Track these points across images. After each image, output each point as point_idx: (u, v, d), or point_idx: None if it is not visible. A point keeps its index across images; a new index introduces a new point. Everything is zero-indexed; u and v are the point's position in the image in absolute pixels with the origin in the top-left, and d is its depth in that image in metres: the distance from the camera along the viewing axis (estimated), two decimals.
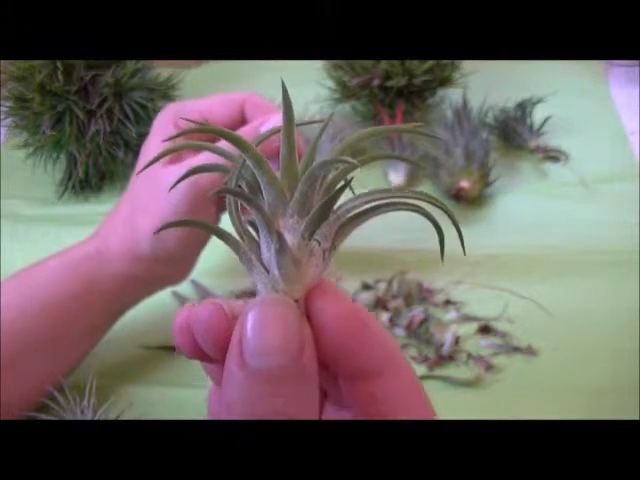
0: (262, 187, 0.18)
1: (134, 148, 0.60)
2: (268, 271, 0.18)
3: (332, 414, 0.22)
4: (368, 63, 0.59)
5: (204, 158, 0.40)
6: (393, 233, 0.55)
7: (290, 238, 0.17)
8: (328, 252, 0.18)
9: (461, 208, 0.57)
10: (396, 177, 0.60)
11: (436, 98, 0.66)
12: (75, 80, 0.56)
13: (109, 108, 0.57)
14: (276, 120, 0.40)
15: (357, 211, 0.18)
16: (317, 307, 0.18)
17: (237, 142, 0.18)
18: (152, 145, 0.45)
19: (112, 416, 0.44)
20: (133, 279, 0.43)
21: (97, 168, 0.60)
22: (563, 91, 0.66)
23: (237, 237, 0.18)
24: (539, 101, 0.63)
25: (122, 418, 0.45)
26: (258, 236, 0.18)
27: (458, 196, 0.57)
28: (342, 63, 0.61)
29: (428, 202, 0.19)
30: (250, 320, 0.17)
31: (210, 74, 0.73)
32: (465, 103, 0.62)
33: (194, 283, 0.53)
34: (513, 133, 0.63)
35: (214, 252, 0.54)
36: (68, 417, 0.44)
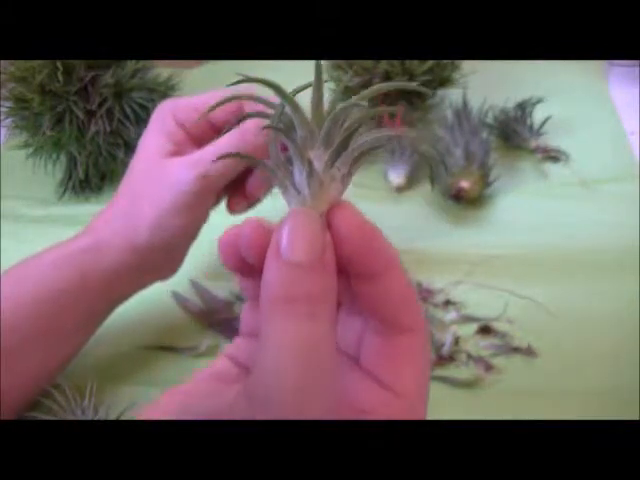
0: (296, 127, 0.23)
1: (134, 148, 0.60)
2: (299, 192, 0.23)
3: (345, 320, 0.26)
4: (368, 63, 0.59)
5: (225, 142, 0.43)
6: (393, 233, 0.55)
7: (317, 165, 0.22)
8: (346, 177, 0.23)
9: (461, 208, 0.57)
10: (396, 177, 0.60)
11: (436, 98, 0.67)
12: (75, 80, 0.56)
13: (109, 108, 0.57)
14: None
15: (368, 145, 0.23)
16: (337, 219, 0.22)
17: (278, 90, 0.23)
18: (149, 138, 0.45)
19: (112, 416, 0.44)
20: (126, 271, 0.43)
21: (97, 168, 0.60)
22: (563, 91, 0.66)
23: (275, 168, 0.23)
24: (539, 101, 0.63)
25: (122, 418, 0.44)
26: (292, 166, 0.23)
27: (458, 196, 0.57)
28: (342, 63, 0.61)
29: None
30: (285, 226, 0.22)
31: (210, 74, 0.73)
32: (465, 103, 0.62)
33: (194, 284, 0.53)
34: (513, 133, 0.63)
35: (214, 253, 0.54)
36: (68, 417, 0.44)
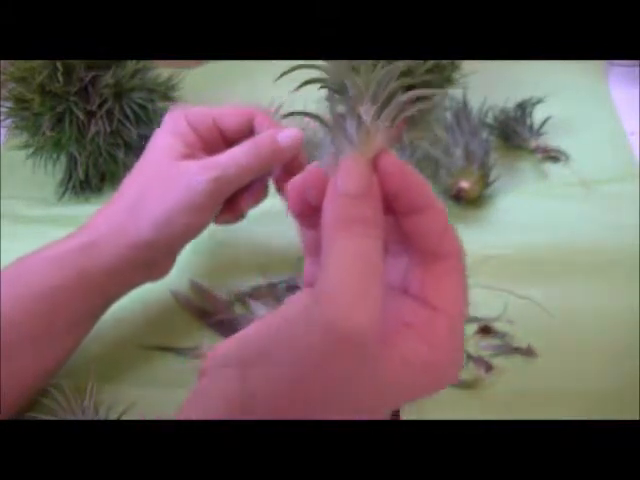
0: (348, 88, 0.27)
1: (134, 149, 0.60)
2: (351, 142, 0.27)
3: (389, 261, 0.30)
4: (368, 63, 0.59)
5: (240, 151, 0.44)
6: None
7: (365, 118, 0.27)
8: (389, 128, 0.27)
9: (461, 208, 0.57)
10: None
11: (436, 98, 0.66)
12: (75, 81, 0.56)
13: (109, 109, 0.57)
14: (293, 131, 0.45)
15: (405, 102, 0.28)
16: (382, 162, 0.27)
17: (332, 63, 0.28)
18: (161, 139, 0.46)
19: (113, 417, 0.44)
20: (123, 267, 0.43)
21: (97, 169, 0.60)
22: (563, 91, 0.66)
23: (332, 124, 0.28)
24: (539, 101, 0.63)
25: (122, 419, 0.44)
26: (345, 121, 0.27)
27: (458, 196, 0.57)
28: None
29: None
30: (340, 169, 0.27)
31: (210, 74, 0.73)
32: (465, 103, 0.62)
33: (194, 284, 0.53)
34: (513, 133, 0.63)
35: (214, 254, 0.54)
36: (68, 418, 0.44)
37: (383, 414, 0.28)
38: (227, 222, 0.49)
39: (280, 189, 0.48)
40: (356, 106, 0.28)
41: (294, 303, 0.28)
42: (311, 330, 0.26)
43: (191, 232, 0.45)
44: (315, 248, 0.29)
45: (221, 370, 0.29)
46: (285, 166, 0.47)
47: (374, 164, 0.27)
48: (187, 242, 0.46)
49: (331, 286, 0.26)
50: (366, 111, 0.27)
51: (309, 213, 0.29)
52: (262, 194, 0.49)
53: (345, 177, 0.27)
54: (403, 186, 0.28)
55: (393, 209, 0.28)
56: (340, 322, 0.25)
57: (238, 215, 0.48)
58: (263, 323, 0.29)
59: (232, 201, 0.46)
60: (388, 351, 0.27)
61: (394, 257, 0.30)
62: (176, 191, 0.43)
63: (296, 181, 0.30)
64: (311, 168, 0.29)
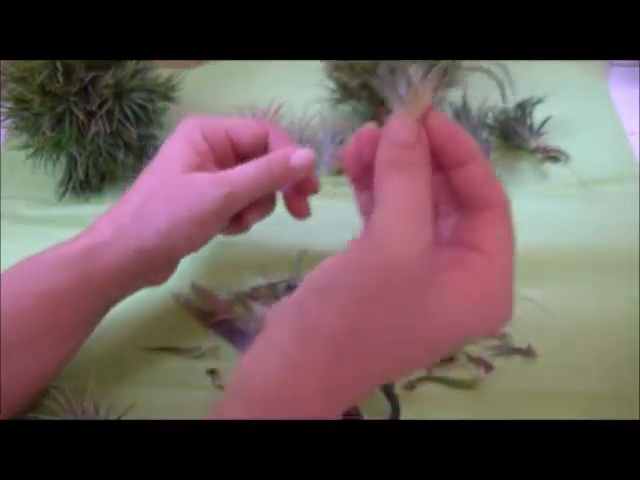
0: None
1: (134, 149, 0.60)
2: (402, 100, 0.31)
3: (442, 223, 0.33)
4: (368, 63, 0.59)
5: (253, 168, 0.44)
6: None
7: (415, 79, 0.31)
8: (434, 91, 0.31)
9: None
10: None
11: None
12: (75, 81, 0.56)
13: (109, 109, 0.57)
14: (306, 153, 0.45)
15: (446, 66, 0.32)
16: (431, 119, 0.31)
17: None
18: (174, 147, 0.45)
19: (113, 417, 0.44)
20: (125, 272, 0.43)
21: (97, 169, 0.60)
22: (563, 91, 0.66)
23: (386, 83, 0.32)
24: (539, 101, 0.63)
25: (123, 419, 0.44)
26: (397, 86, 0.31)
27: None
28: (342, 63, 0.61)
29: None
30: (391, 123, 0.31)
31: (210, 74, 0.73)
32: (465, 103, 0.62)
33: (195, 285, 0.53)
34: (513, 133, 0.63)
35: (214, 254, 0.54)
36: (68, 418, 0.44)
37: (437, 352, 0.31)
38: (232, 233, 0.49)
39: (290, 206, 0.48)
40: (407, 68, 0.31)
41: (350, 246, 0.31)
42: (367, 262, 0.29)
43: (195, 244, 0.45)
44: (370, 210, 0.31)
45: (282, 311, 0.32)
46: (296, 184, 0.47)
47: (423, 121, 0.31)
48: (190, 253, 0.46)
49: (384, 219, 0.29)
50: (415, 73, 0.31)
51: (363, 174, 0.33)
52: (269, 208, 0.49)
53: (396, 128, 0.30)
54: (449, 140, 0.31)
55: (442, 165, 0.32)
56: (393, 250, 0.28)
57: (244, 227, 0.48)
58: (321, 267, 0.31)
59: (239, 214, 0.46)
60: (440, 286, 0.30)
61: (445, 217, 0.34)
62: (184, 203, 0.43)
63: (349, 145, 0.34)
64: (364, 128, 0.33)
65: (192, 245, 0.45)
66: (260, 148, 0.47)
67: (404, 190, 0.29)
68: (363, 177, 0.33)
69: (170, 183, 0.44)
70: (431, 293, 0.29)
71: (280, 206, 0.49)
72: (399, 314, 0.29)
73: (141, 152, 0.61)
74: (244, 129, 0.47)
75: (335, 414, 0.30)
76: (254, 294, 0.52)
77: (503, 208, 0.32)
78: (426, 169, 0.30)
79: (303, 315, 0.30)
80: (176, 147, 0.45)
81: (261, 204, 0.47)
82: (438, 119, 0.31)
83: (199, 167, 0.44)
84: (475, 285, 0.30)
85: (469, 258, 0.31)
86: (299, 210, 0.48)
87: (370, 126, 0.33)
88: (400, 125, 0.30)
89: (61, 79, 0.55)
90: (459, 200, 0.32)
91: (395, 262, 0.28)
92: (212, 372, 0.47)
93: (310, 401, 0.29)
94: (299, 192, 0.48)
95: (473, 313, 0.30)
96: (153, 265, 0.45)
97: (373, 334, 0.29)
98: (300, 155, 0.45)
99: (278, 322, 0.32)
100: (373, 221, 0.30)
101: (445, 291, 0.30)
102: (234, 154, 0.47)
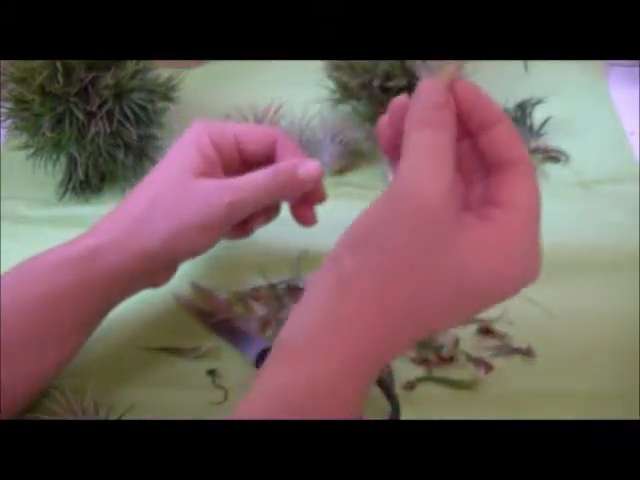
0: None
1: (134, 149, 0.60)
2: (430, 70, 0.33)
3: (470, 190, 0.35)
4: (368, 63, 0.59)
5: (260, 177, 0.44)
6: None
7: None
8: (458, 65, 0.33)
9: None
10: None
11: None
12: (75, 82, 0.56)
13: (109, 110, 0.57)
14: (314, 165, 0.45)
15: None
16: (458, 86, 0.33)
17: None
18: (181, 151, 0.45)
19: (113, 418, 0.44)
20: (126, 275, 0.43)
21: (97, 169, 0.60)
22: (563, 91, 0.66)
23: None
24: (539, 101, 0.63)
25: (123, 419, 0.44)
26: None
27: None
28: (342, 63, 0.61)
29: None
30: (420, 88, 0.33)
31: (210, 74, 0.73)
32: None
33: (195, 285, 0.53)
34: None
35: (214, 254, 0.54)
36: (68, 418, 0.44)
37: (470, 304, 0.33)
38: (235, 238, 0.49)
39: (296, 215, 0.48)
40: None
41: (378, 198, 0.33)
42: (395, 210, 0.31)
43: (198, 249, 0.45)
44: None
45: (322, 269, 0.33)
46: (303, 194, 0.47)
47: (451, 88, 0.33)
48: (192, 258, 0.46)
49: (408, 166, 0.31)
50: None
51: (396, 145, 0.34)
52: (273, 214, 0.49)
53: (425, 90, 0.33)
54: (475, 104, 0.33)
55: (469, 132, 0.34)
56: (416, 194, 0.30)
57: (247, 232, 0.49)
58: (354, 222, 0.33)
59: (243, 219, 0.46)
60: (464, 233, 0.31)
61: (473, 184, 0.35)
62: (190, 209, 0.43)
63: (383, 118, 0.36)
64: (395, 100, 0.35)
65: (195, 250, 0.45)
66: (267, 155, 0.47)
67: (427, 143, 0.31)
68: (396, 148, 0.34)
69: (176, 188, 0.43)
70: (454, 238, 0.31)
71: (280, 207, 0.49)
72: (431, 260, 0.31)
73: (141, 152, 0.61)
74: (252, 135, 0.47)
75: (376, 369, 0.33)
76: (254, 294, 0.52)
77: (527, 164, 0.34)
78: (451, 131, 0.32)
79: (340, 270, 0.32)
80: (183, 151, 0.45)
81: (266, 210, 0.48)
82: (464, 86, 0.33)
83: (206, 172, 0.44)
84: (502, 237, 0.32)
85: (497, 213, 0.33)
86: (305, 219, 0.48)
87: (402, 97, 0.35)
88: (429, 87, 0.32)
89: (61, 79, 0.55)
90: (486, 165, 0.34)
91: (420, 203, 0.30)
92: (212, 372, 0.47)
93: (352, 351, 0.31)
94: (305, 201, 0.48)
95: (500, 264, 0.32)
96: (154, 268, 0.45)
97: (408, 283, 0.31)
98: (308, 168, 0.44)
99: (319, 279, 0.34)
100: (398, 171, 0.32)
101: (469, 238, 0.31)
102: (241, 160, 0.47)
